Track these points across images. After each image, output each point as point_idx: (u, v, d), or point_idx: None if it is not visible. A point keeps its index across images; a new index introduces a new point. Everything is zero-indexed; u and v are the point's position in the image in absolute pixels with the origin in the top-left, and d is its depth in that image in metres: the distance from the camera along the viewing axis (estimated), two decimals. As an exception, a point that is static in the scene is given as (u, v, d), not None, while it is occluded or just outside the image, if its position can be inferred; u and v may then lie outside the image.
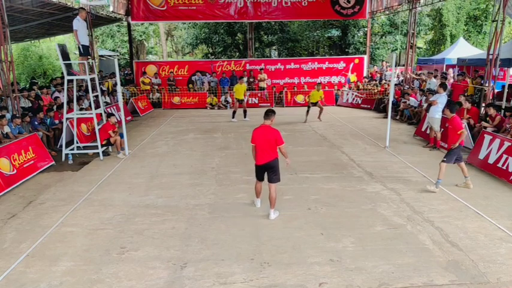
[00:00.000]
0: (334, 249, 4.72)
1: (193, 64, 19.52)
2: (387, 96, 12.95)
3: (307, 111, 13.58)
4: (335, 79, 18.82)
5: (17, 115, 9.03)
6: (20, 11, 11.33)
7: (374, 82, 17.79)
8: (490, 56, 10.31)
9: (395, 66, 15.34)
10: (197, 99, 17.08)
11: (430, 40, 28.24)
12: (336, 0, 17.81)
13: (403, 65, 17.74)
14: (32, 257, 4.66)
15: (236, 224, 5.45)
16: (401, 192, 6.58)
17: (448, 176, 7.38)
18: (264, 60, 20.46)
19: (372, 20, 20.42)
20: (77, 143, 9.31)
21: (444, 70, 17.35)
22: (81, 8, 9.83)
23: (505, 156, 7.17)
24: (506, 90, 11.53)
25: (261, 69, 18.06)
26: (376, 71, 19.36)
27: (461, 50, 18.55)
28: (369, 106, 16.10)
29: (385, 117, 11.81)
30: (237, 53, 26.12)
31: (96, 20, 14.82)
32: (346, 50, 24.82)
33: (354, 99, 16.79)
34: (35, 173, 7.79)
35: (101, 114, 9.62)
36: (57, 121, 10.23)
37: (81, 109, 10.72)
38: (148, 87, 17.38)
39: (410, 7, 15.23)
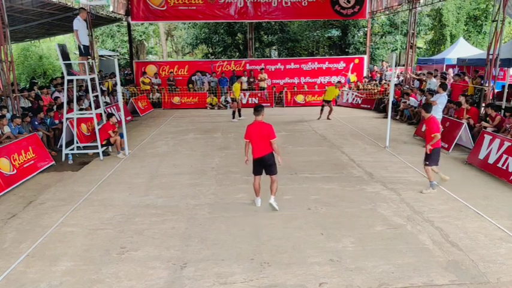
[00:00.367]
0: (334, 249, 4.72)
1: (193, 64, 19.53)
2: (387, 96, 12.95)
3: (322, 109, 13.72)
4: (335, 79, 18.80)
5: (17, 115, 9.02)
6: (20, 11, 11.33)
7: (374, 82, 17.79)
8: (490, 56, 10.31)
9: (395, 66, 15.34)
10: (197, 99, 17.08)
11: (430, 40, 28.23)
12: (336, 0, 17.81)
13: (403, 65, 17.74)
14: (32, 257, 4.66)
15: (236, 224, 5.45)
16: (401, 192, 6.58)
17: (447, 176, 7.39)
18: (264, 60, 20.46)
19: (371, 20, 20.42)
20: (77, 143, 9.31)
21: (444, 70, 17.34)
22: (82, 8, 9.85)
23: (505, 156, 7.17)
24: (506, 90, 11.53)
25: (261, 69, 18.06)
26: (376, 71, 19.36)
27: (461, 50, 18.55)
28: (369, 106, 16.09)
29: (385, 117, 11.82)
30: (237, 53, 26.11)
31: (96, 20, 14.82)
32: (346, 50, 24.82)
33: (354, 99, 16.79)
34: (35, 173, 7.79)
35: (101, 114, 9.62)
36: (57, 121, 10.23)
37: (81, 109, 10.72)
38: (148, 87, 17.38)
39: (410, 7, 15.23)
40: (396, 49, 24.97)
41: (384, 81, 17.07)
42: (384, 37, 25.55)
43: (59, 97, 11.66)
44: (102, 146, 9.06)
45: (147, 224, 5.49)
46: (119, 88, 9.41)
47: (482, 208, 5.84)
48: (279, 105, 17.39)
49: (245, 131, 5.87)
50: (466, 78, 13.29)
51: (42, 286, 4.09)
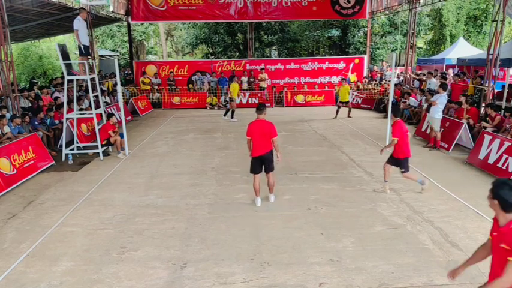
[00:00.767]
0: (334, 249, 4.72)
1: (193, 64, 19.53)
2: (387, 96, 12.96)
3: (337, 110, 13.96)
4: (335, 79, 18.82)
5: (17, 115, 9.02)
6: (20, 11, 11.33)
7: (374, 82, 17.79)
8: (490, 56, 10.32)
9: (395, 66, 15.36)
10: (197, 99, 17.09)
11: (430, 40, 28.23)
12: (336, 0, 17.81)
13: (403, 65, 17.74)
14: (32, 257, 4.66)
15: (236, 224, 5.45)
16: (401, 192, 6.58)
17: (448, 177, 7.40)
18: (264, 60, 20.46)
19: (372, 20, 20.42)
20: (77, 143, 9.31)
21: (444, 70, 17.35)
22: (82, 8, 9.84)
23: (505, 156, 7.17)
24: (506, 90, 11.53)
25: (261, 69, 18.06)
26: (376, 71, 19.36)
27: (461, 50, 18.54)
28: (369, 106, 16.10)
29: (385, 117, 11.81)
30: (237, 53, 26.11)
31: (96, 20, 14.82)
32: (346, 50, 24.81)
33: (354, 99, 16.79)
34: (35, 173, 7.79)
35: (101, 114, 9.62)
36: (57, 121, 10.23)
37: (81, 109, 10.72)
38: (148, 87, 17.38)
39: (410, 7, 15.23)
40: (396, 49, 24.97)
41: (384, 81, 17.07)
42: (384, 37, 25.55)
43: (59, 97, 11.66)
44: (102, 146, 9.06)
45: (147, 224, 5.49)
46: (119, 88, 9.41)
47: (482, 208, 5.82)
48: (279, 105, 17.39)
49: (247, 128, 5.91)
50: (466, 78, 13.29)
51: (42, 286, 4.09)
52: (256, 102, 17.10)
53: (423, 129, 10.50)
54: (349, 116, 13.93)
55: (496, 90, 11.54)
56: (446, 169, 7.88)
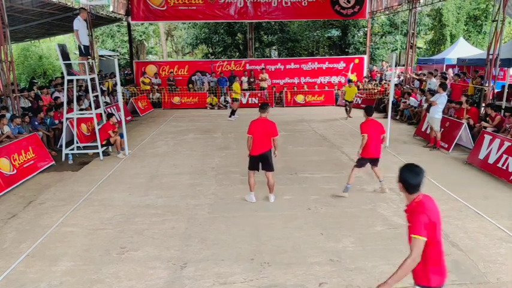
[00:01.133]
0: (334, 249, 4.72)
1: (193, 64, 19.53)
2: (387, 96, 12.95)
3: (346, 109, 14.07)
4: (335, 79, 18.82)
5: (17, 115, 9.02)
6: (20, 11, 11.33)
7: (374, 82, 17.79)
8: (490, 56, 10.31)
9: (395, 66, 15.36)
10: (197, 99, 17.09)
11: (430, 40, 28.23)
12: (336, 0, 17.81)
13: (403, 65, 17.73)
14: (32, 257, 4.66)
15: (236, 224, 5.45)
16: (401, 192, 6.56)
17: (448, 177, 7.40)
18: (264, 60, 20.47)
19: (371, 20, 20.42)
20: (77, 143, 9.31)
21: (444, 70, 17.34)
22: (82, 8, 9.85)
23: (505, 156, 7.17)
24: (506, 90, 11.53)
25: (262, 69, 18.06)
26: (376, 71, 19.35)
27: (461, 50, 18.54)
28: (369, 106, 16.07)
29: (385, 117, 11.81)
30: (237, 53, 26.11)
31: (96, 20, 14.82)
32: (346, 50, 24.81)
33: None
34: (35, 173, 7.79)
35: (101, 114, 9.62)
36: (57, 121, 10.23)
37: (81, 109, 10.72)
38: (148, 87, 17.38)
39: (410, 7, 15.23)
40: (396, 49, 24.96)
41: (383, 81, 17.07)
42: (384, 37, 25.55)
43: (59, 97, 11.66)
44: (102, 146, 9.06)
45: (147, 224, 5.49)
46: (119, 88, 9.41)
47: (482, 208, 5.83)
48: (279, 105, 17.39)
49: (248, 126, 5.94)
50: (466, 78, 13.28)
51: (42, 286, 4.09)
52: (256, 102, 17.11)
53: (423, 129, 10.50)
54: (349, 116, 13.94)
55: (496, 90, 11.54)
56: (446, 169, 7.88)
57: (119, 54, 27.67)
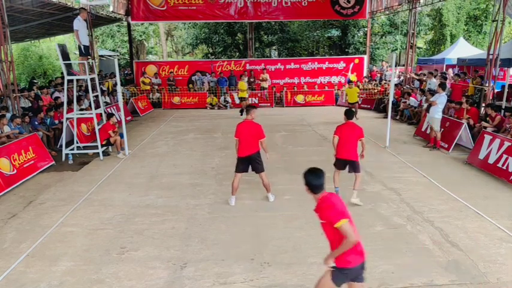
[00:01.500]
0: (334, 249, 4.71)
1: (193, 64, 19.54)
2: (387, 96, 12.95)
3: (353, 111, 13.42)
4: (335, 79, 18.82)
5: (17, 115, 9.02)
6: (20, 11, 11.33)
7: (374, 82, 17.79)
8: (490, 56, 10.31)
9: (395, 66, 15.34)
10: (197, 99, 17.08)
11: (430, 40, 28.23)
12: (336, 0, 17.81)
13: (403, 65, 17.74)
14: (32, 257, 4.66)
15: (236, 224, 5.45)
16: (401, 192, 6.58)
17: (448, 177, 7.40)
18: (264, 60, 20.47)
19: (371, 20, 20.42)
20: (77, 143, 9.31)
21: (444, 70, 17.35)
22: (82, 8, 9.85)
23: (505, 156, 7.17)
24: (506, 90, 11.53)
25: (263, 69, 18.05)
26: (376, 71, 19.35)
27: (461, 50, 18.55)
28: (369, 106, 16.09)
29: (385, 117, 11.81)
30: (237, 53, 26.12)
31: (96, 20, 14.82)
32: (346, 50, 24.81)
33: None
34: (35, 173, 7.79)
35: (101, 114, 9.62)
36: (57, 121, 10.23)
37: (81, 109, 10.72)
38: (148, 87, 17.38)
39: (410, 7, 15.23)
40: (396, 49, 24.97)
41: (383, 81, 17.08)
42: (384, 37, 25.56)
43: (59, 97, 11.67)
44: (102, 146, 9.06)
45: (147, 224, 5.49)
46: (119, 88, 9.41)
47: (482, 208, 5.83)
48: (279, 105, 17.39)
49: (235, 130, 6.03)
50: (467, 78, 13.27)
51: (42, 286, 4.09)
52: (256, 102, 17.12)
53: (423, 129, 10.50)
54: (355, 117, 13.38)
55: (496, 90, 11.54)
56: (446, 169, 7.88)
57: (119, 54, 27.67)
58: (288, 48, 25.82)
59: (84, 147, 9.53)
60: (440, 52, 23.87)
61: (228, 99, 17.06)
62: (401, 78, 17.08)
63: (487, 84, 10.67)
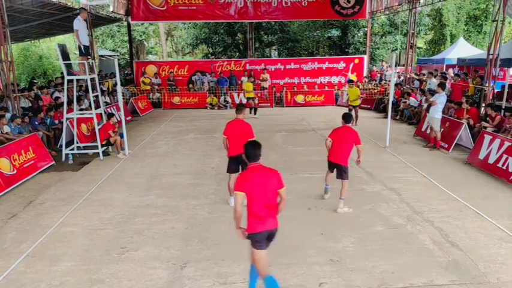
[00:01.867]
0: (334, 249, 4.72)
1: (193, 64, 19.53)
2: (387, 96, 12.94)
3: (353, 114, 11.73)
4: (335, 79, 18.82)
5: (17, 115, 9.02)
6: (20, 11, 11.33)
7: (374, 82, 17.79)
8: (490, 56, 10.32)
9: (396, 66, 15.34)
10: (197, 99, 17.08)
11: (430, 40, 28.23)
12: (336, 0, 17.81)
13: (403, 65, 17.73)
14: (32, 257, 4.66)
15: (236, 224, 5.44)
16: (401, 192, 6.58)
17: (448, 177, 7.41)
18: (264, 60, 20.47)
19: (372, 20, 20.42)
20: (77, 143, 9.31)
21: (444, 70, 17.35)
22: (82, 8, 9.85)
23: (505, 156, 7.17)
24: (506, 90, 11.53)
25: (263, 69, 18.05)
26: (376, 71, 19.35)
27: (461, 50, 18.55)
28: (369, 106, 16.09)
29: (385, 117, 11.81)
30: (237, 53, 26.12)
31: (96, 20, 14.82)
32: (346, 50, 24.82)
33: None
34: (35, 173, 7.79)
35: (101, 114, 9.62)
36: (57, 121, 10.23)
37: (81, 109, 10.72)
38: (148, 87, 17.37)
39: (410, 7, 15.23)
40: (396, 49, 24.97)
41: (383, 82, 17.08)
42: (384, 37, 25.56)
43: (59, 97, 11.66)
44: (102, 146, 9.06)
45: (147, 224, 5.49)
46: (119, 88, 9.41)
47: (482, 208, 5.83)
48: (279, 105, 17.39)
49: (225, 127, 5.96)
50: (467, 78, 13.27)
51: (42, 286, 4.09)
52: (257, 102, 17.10)
53: (423, 129, 10.50)
54: (356, 124, 12.00)
55: (496, 90, 11.54)
56: (446, 169, 7.88)
57: (119, 54, 27.67)
58: (288, 48, 25.82)
59: (84, 147, 9.53)
60: (440, 52, 23.87)
61: (228, 99, 17.06)
62: (401, 78, 17.08)
63: (487, 84, 10.67)
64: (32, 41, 21.99)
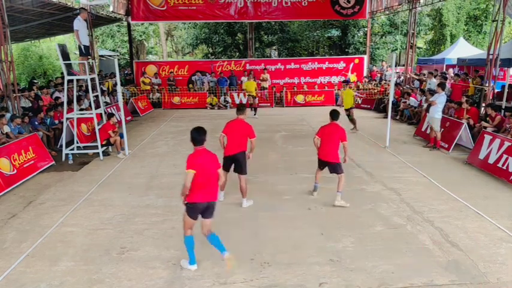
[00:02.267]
0: (334, 249, 4.72)
1: (193, 64, 19.53)
2: (387, 96, 12.94)
3: (349, 119, 11.56)
4: (335, 79, 18.81)
5: (17, 115, 9.02)
6: (20, 11, 11.33)
7: (374, 82, 17.79)
8: (490, 56, 10.31)
9: (396, 66, 15.33)
10: (197, 99, 17.08)
11: (430, 40, 28.23)
12: (336, 0, 17.81)
13: (403, 65, 17.73)
14: (32, 257, 4.66)
15: (236, 224, 5.45)
16: (401, 192, 6.58)
17: (448, 177, 7.41)
18: (264, 60, 20.47)
19: (371, 20, 20.42)
20: (77, 143, 9.31)
21: (444, 70, 17.35)
22: (83, 8, 9.85)
23: (505, 156, 7.17)
24: (506, 90, 11.53)
25: (264, 69, 18.05)
26: (376, 71, 19.35)
27: (461, 50, 18.55)
28: (369, 106, 16.09)
29: (385, 117, 11.81)
30: (237, 53, 26.11)
31: (96, 20, 14.81)
32: (346, 50, 24.82)
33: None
34: (35, 173, 7.79)
35: (101, 114, 9.62)
36: (57, 121, 10.23)
37: (81, 109, 10.71)
38: (148, 87, 17.38)
39: (410, 7, 15.23)
40: (396, 49, 24.97)
41: (383, 81, 17.08)
42: (384, 37, 25.55)
43: (59, 97, 11.66)
44: (102, 146, 9.06)
45: (147, 224, 5.49)
46: (119, 88, 9.41)
47: (482, 208, 5.83)
48: (279, 105, 17.39)
49: (224, 126, 5.98)
50: (468, 78, 13.27)
51: (42, 286, 4.09)
52: (256, 102, 17.09)
53: (423, 129, 10.50)
54: (355, 129, 11.60)
55: (496, 90, 11.54)
56: (446, 169, 7.88)
57: (119, 54, 27.66)
58: (288, 48, 25.82)
59: (84, 147, 9.53)
60: (440, 52, 23.87)
61: (228, 99, 17.05)
62: (402, 78, 17.08)
63: (487, 84, 10.67)
64: (32, 41, 21.99)
